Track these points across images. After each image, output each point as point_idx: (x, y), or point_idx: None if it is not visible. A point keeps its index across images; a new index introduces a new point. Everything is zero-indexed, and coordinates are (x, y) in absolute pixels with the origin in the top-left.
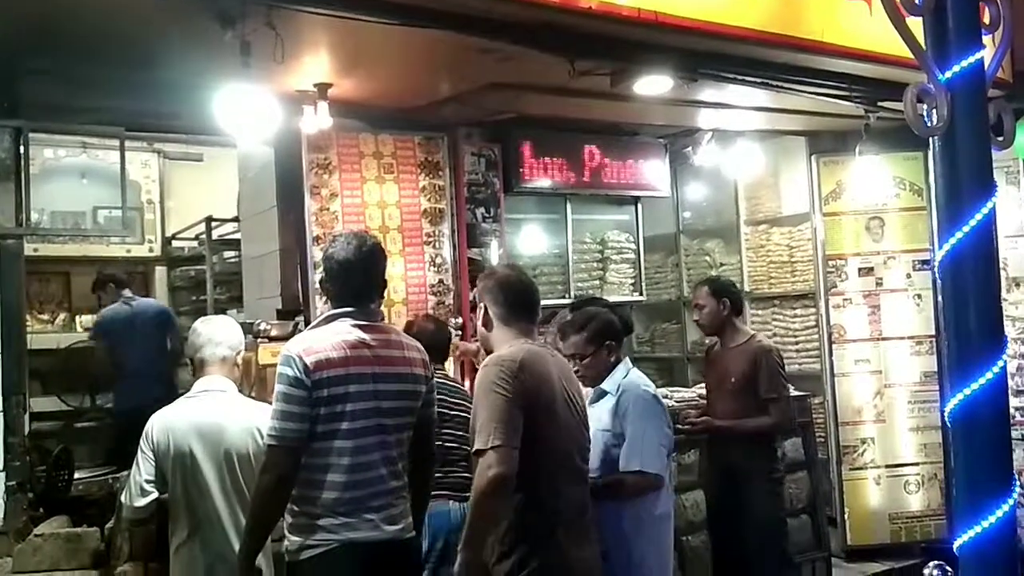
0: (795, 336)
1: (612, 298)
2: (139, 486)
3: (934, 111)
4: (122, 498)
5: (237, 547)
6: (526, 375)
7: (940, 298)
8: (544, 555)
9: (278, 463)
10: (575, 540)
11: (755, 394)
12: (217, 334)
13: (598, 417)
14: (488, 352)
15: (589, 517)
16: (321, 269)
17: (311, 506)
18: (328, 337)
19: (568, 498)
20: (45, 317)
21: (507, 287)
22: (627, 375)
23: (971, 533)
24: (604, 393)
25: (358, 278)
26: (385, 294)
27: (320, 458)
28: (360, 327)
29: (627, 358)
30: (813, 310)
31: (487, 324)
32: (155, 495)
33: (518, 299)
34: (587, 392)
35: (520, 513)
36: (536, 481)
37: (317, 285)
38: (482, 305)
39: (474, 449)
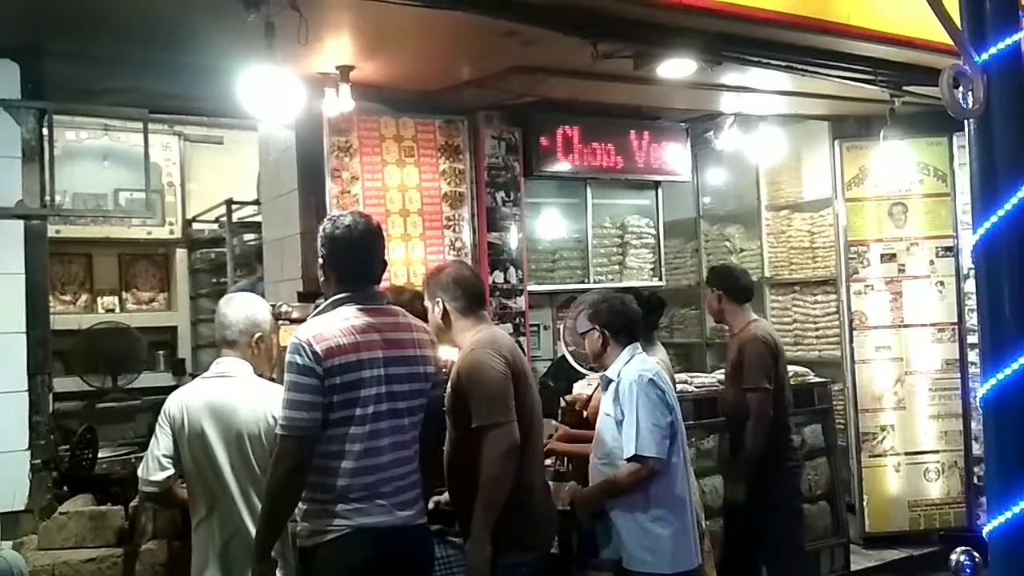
0: (815, 322)
1: (631, 283)
2: (157, 460)
3: (970, 93)
4: (139, 472)
5: (251, 523)
6: (509, 356)
7: (971, 283)
8: (520, 513)
9: (290, 453)
10: (542, 501)
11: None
12: (228, 317)
13: (604, 404)
14: (448, 341)
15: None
16: (323, 253)
17: (323, 492)
18: (336, 323)
19: (535, 462)
20: (67, 298)
21: (461, 281)
22: (630, 361)
23: (1001, 519)
24: (610, 380)
25: (362, 259)
26: (385, 276)
27: (333, 445)
28: (367, 311)
29: (636, 344)
30: (834, 296)
31: (445, 319)
32: (172, 471)
33: (471, 291)
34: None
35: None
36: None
37: (319, 269)
38: (438, 301)
39: (477, 425)
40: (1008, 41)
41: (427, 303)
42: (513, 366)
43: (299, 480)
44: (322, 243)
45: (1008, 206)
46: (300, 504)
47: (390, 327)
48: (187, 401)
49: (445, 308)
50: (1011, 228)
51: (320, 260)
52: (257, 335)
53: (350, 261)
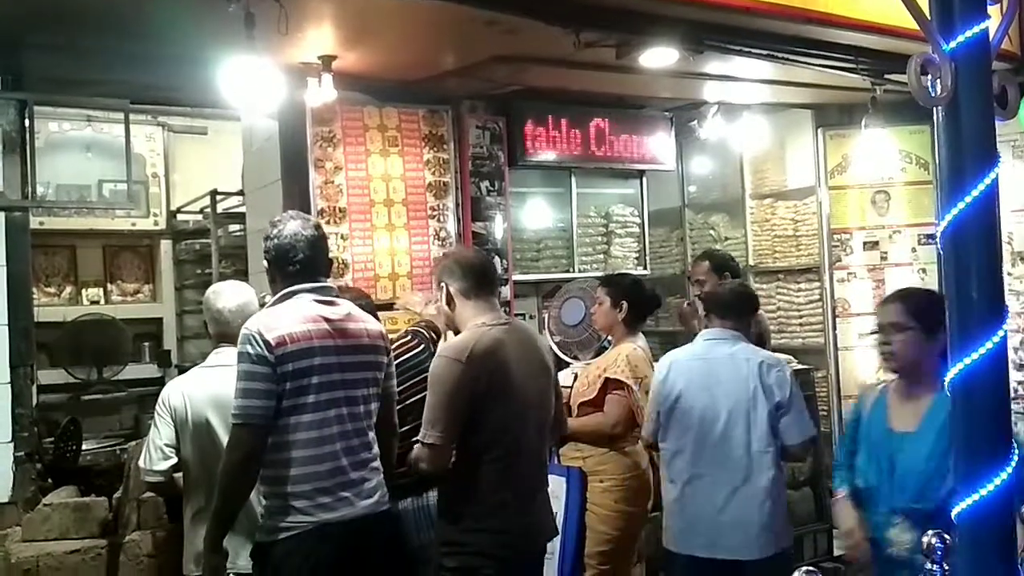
0: (799, 310)
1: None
2: (159, 449)
3: (938, 81)
4: (140, 463)
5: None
6: (475, 365)
7: (942, 269)
8: (489, 524)
9: (244, 441)
10: (521, 510)
11: None
12: (224, 312)
13: None
14: (454, 330)
15: (541, 492)
16: (268, 253)
17: (282, 486)
18: (287, 313)
19: (518, 475)
20: (52, 290)
21: (466, 264)
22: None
23: (969, 501)
24: None
25: (310, 254)
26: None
27: (288, 435)
28: (319, 303)
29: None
30: (817, 284)
31: (450, 303)
32: (175, 460)
33: (477, 274)
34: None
35: (468, 490)
36: (478, 462)
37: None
38: (443, 285)
39: (417, 438)
40: (976, 29)
41: (435, 292)
42: (477, 379)
43: (252, 469)
44: (266, 247)
45: (975, 192)
46: (263, 501)
47: (342, 318)
48: (189, 392)
49: (449, 292)
50: (978, 214)
51: (266, 263)
52: None
53: (301, 257)
